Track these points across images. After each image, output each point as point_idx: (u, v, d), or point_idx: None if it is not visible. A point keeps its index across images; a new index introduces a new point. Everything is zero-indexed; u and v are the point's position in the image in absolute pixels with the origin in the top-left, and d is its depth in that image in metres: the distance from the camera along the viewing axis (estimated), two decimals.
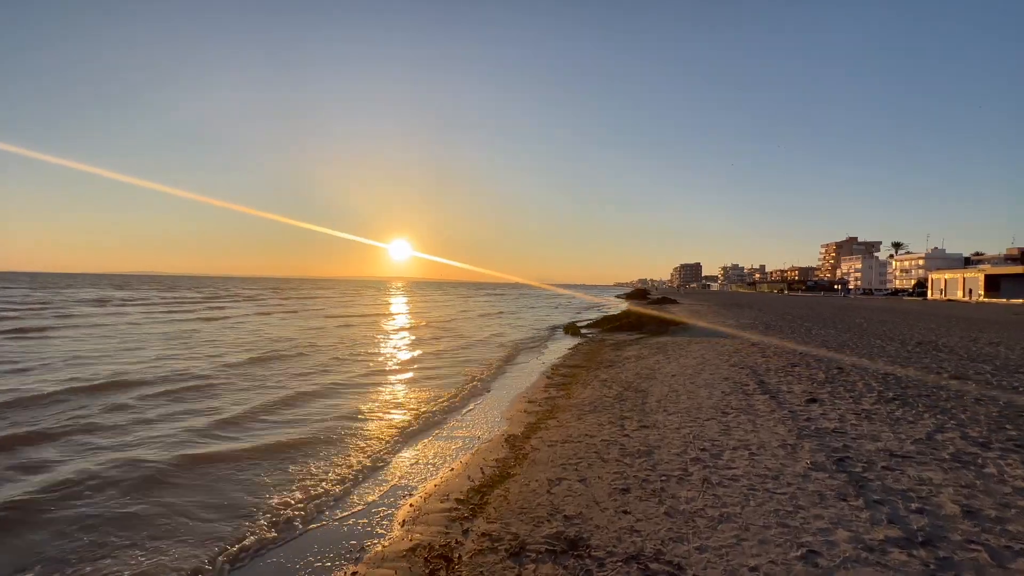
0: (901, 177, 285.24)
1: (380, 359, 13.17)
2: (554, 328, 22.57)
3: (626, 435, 5.63)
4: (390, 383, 10.13)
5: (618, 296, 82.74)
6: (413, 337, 19.00)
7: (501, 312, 36.35)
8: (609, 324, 20.97)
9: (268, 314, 29.57)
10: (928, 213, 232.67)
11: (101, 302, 36.62)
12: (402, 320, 28.12)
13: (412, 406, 8.14)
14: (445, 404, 8.24)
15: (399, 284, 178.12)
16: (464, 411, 7.83)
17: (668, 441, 5.37)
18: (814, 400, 6.94)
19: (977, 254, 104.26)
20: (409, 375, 11.00)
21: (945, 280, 74.93)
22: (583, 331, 20.76)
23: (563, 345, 16.67)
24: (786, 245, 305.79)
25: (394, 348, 15.68)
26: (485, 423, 7.10)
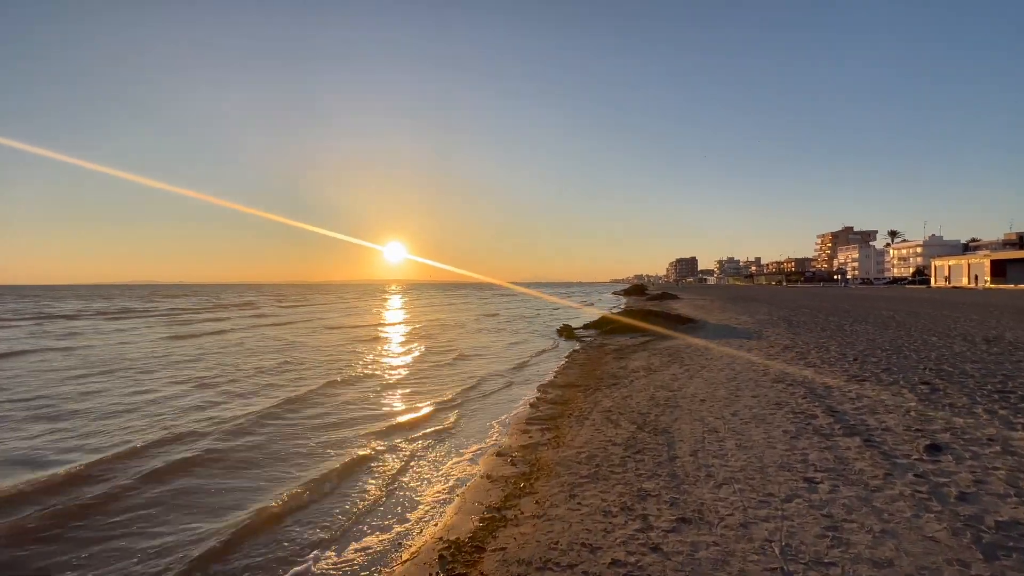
0: (893, 166, 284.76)
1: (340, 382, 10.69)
2: (549, 331, 20.08)
3: (656, 545, 3.15)
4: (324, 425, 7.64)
5: (615, 293, 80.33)
6: (402, 349, 16.47)
7: (495, 315, 33.86)
8: (609, 325, 18.52)
9: (270, 325, 26.90)
10: (922, 201, 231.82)
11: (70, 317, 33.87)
12: (396, 332, 25.58)
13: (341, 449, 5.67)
14: (383, 468, 5.75)
15: (394, 287, 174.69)
16: (403, 474, 5.31)
17: (738, 560, 2.91)
18: (936, 448, 4.50)
19: (974, 240, 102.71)
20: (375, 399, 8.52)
21: (949, 267, 73.00)
22: (581, 334, 18.29)
23: (557, 352, 14.20)
24: (781, 237, 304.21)
25: (374, 367, 13.17)
26: (423, 502, 4.56)
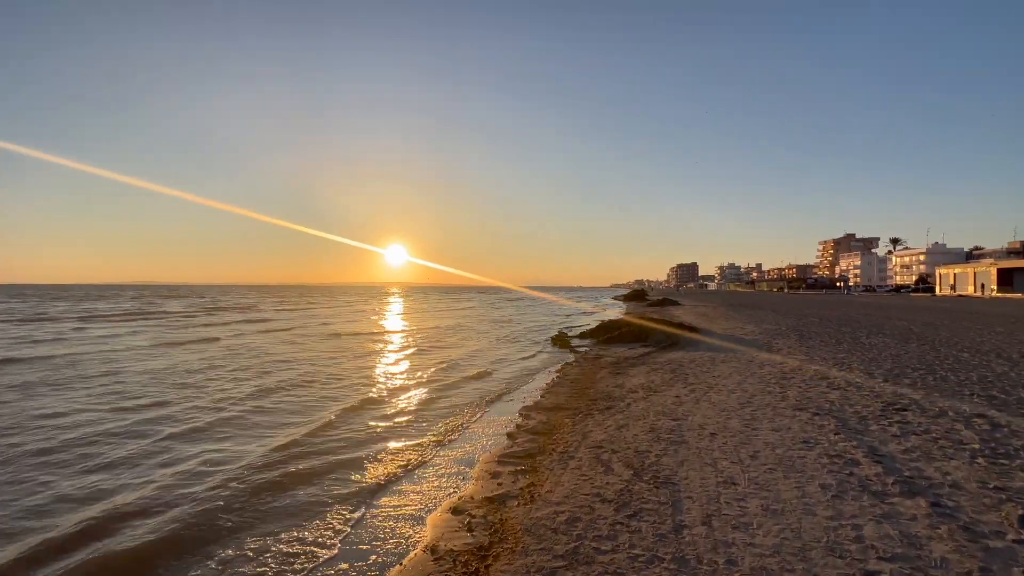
0: (894, 173, 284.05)
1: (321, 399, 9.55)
2: (544, 339, 18.93)
3: None
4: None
5: (615, 298, 79.14)
6: (399, 357, 15.32)
7: (491, 319, 32.70)
8: (606, 333, 17.35)
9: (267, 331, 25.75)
10: (924, 209, 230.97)
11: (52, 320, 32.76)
12: (395, 338, 24.43)
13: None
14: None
15: (395, 290, 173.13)
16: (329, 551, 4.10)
17: None
18: None
19: (977, 248, 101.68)
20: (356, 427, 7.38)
21: (954, 275, 71.78)
22: (576, 344, 17.14)
23: (549, 364, 13.04)
24: (782, 243, 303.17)
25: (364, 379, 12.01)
26: None
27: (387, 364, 13.58)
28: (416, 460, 5.81)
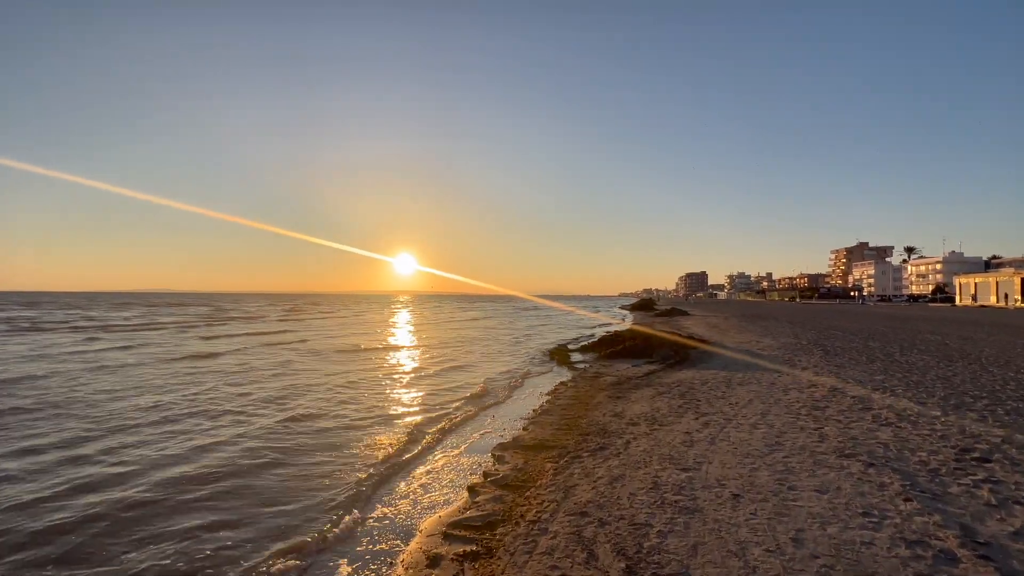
0: (908, 181, 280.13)
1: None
2: (544, 353, 17.52)
3: None
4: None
5: (622, 307, 77.46)
6: (406, 370, 13.99)
7: (500, 329, 31.33)
8: (609, 347, 15.91)
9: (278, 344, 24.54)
10: (938, 217, 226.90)
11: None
12: (402, 353, 23.13)
13: None
14: None
15: (403, 298, 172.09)
16: None
17: None
18: None
19: (995, 257, 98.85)
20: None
21: (975, 284, 69.40)
22: (576, 358, 15.74)
23: (543, 382, 11.65)
24: (793, 252, 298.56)
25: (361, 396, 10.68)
26: None
27: (368, 382, 12.24)
28: (334, 532, 4.40)
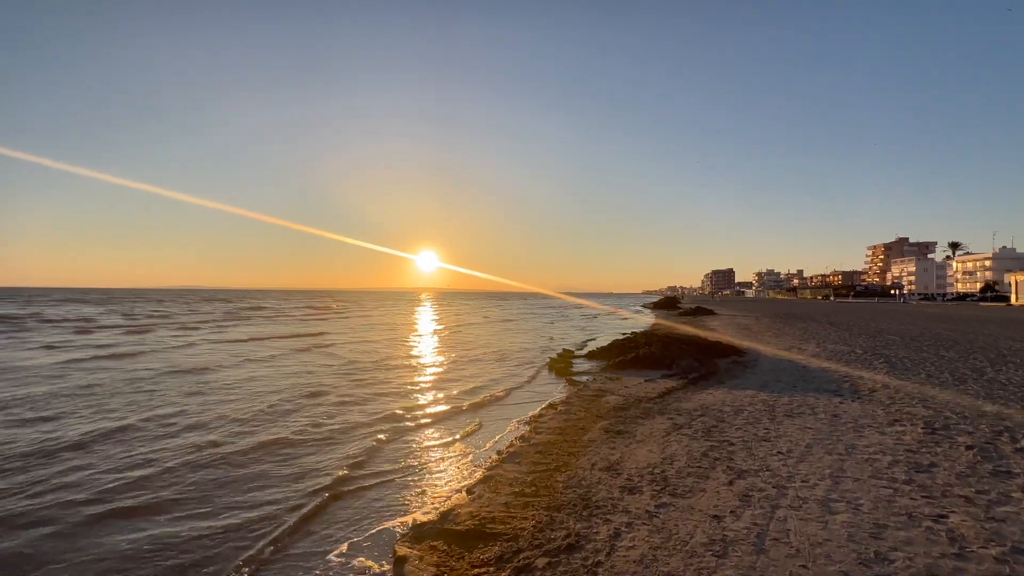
0: (950, 172, 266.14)
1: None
2: (546, 361, 15.15)
3: None
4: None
5: (645, 305, 74.13)
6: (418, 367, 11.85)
7: (514, 329, 29.08)
8: (620, 354, 13.43)
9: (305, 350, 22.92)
10: (982, 212, 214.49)
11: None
12: (425, 345, 21.13)
13: None
14: None
15: (425, 295, 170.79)
16: None
17: None
18: None
19: None
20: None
21: None
22: (580, 365, 13.37)
23: (539, 396, 9.29)
24: (823, 249, 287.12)
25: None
26: None
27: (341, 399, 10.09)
28: None
